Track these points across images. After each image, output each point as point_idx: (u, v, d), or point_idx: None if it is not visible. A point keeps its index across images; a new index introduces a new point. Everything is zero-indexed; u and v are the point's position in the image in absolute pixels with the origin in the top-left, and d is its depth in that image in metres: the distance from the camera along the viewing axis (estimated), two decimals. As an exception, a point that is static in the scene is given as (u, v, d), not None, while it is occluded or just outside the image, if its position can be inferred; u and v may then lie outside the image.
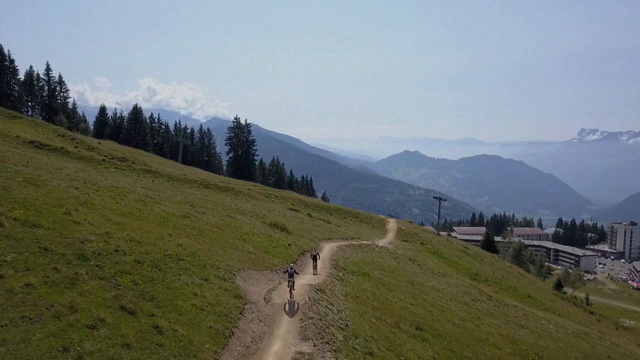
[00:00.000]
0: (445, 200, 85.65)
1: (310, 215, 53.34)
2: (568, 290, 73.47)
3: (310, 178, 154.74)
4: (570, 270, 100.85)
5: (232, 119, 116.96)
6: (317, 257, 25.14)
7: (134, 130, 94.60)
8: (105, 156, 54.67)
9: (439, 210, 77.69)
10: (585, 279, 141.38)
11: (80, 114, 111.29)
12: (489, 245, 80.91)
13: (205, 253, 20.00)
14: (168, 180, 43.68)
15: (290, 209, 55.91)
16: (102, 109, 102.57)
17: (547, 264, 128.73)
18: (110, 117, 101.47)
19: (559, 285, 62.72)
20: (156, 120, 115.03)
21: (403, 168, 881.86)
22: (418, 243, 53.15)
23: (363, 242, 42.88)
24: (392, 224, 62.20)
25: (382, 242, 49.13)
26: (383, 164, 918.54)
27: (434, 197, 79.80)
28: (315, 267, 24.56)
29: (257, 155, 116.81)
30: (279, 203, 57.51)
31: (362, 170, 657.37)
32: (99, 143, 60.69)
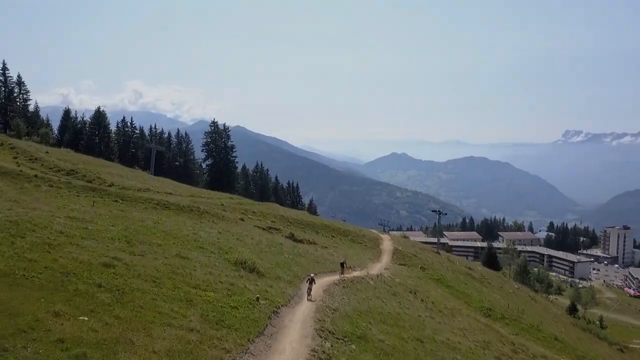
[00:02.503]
0: (446, 214, 78.90)
1: (292, 236, 45.94)
2: (579, 308, 66.92)
3: (297, 184, 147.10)
4: (581, 288, 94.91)
5: (220, 121, 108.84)
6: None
7: (97, 136, 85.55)
8: (50, 168, 46.42)
9: (438, 225, 70.99)
10: (580, 286, 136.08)
11: (44, 118, 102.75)
12: (491, 260, 74.11)
13: (104, 353, 11.91)
14: (116, 201, 35.53)
15: (270, 228, 48.44)
16: (66, 112, 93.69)
17: (546, 272, 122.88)
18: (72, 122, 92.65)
19: (573, 309, 56.18)
20: (129, 124, 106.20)
21: (390, 170, 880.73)
22: (418, 268, 45.94)
23: (355, 273, 35.53)
24: (386, 243, 54.88)
25: (377, 268, 42.07)
26: (370, 166, 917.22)
27: (432, 211, 73.13)
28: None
29: (238, 161, 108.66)
30: (256, 221, 49.87)
31: (350, 172, 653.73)
32: (47, 152, 52.23)
